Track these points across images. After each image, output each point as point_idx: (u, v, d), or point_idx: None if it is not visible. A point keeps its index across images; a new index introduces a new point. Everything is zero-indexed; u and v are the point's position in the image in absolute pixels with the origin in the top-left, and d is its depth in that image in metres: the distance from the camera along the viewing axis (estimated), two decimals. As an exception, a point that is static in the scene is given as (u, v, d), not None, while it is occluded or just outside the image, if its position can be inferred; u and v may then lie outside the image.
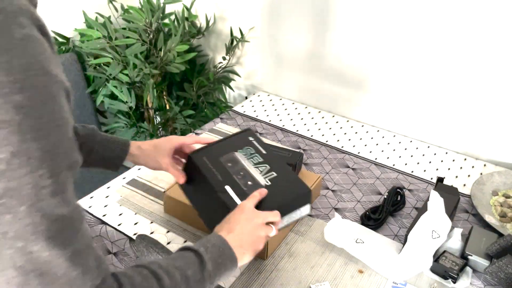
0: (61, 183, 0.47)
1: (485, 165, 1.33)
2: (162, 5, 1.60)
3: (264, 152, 0.90)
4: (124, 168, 1.19)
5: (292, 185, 0.84)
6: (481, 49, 1.23)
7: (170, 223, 1.06)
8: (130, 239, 1.02)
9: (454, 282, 0.92)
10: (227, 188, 0.82)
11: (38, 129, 0.44)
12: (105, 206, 1.11)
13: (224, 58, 1.73)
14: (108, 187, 1.17)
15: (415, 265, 0.94)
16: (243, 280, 0.93)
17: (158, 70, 1.54)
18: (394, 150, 1.39)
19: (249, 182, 0.84)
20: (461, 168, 1.32)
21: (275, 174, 0.85)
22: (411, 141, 1.43)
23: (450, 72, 1.30)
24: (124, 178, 1.20)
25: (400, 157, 1.35)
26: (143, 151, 0.92)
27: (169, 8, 1.75)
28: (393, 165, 1.31)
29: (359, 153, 1.36)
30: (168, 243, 1.01)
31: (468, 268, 0.95)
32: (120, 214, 1.08)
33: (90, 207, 1.10)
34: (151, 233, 1.04)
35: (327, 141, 1.42)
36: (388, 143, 1.42)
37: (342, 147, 1.39)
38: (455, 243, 1.00)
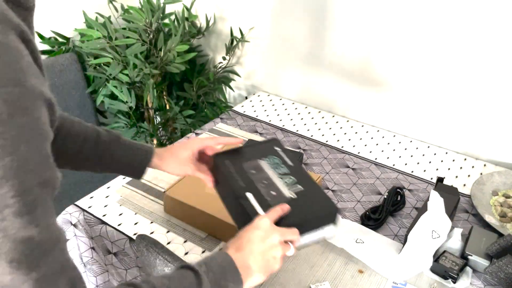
0: (29, 202, 0.44)
1: (485, 165, 1.33)
2: (162, 5, 1.60)
3: (290, 163, 0.86)
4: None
5: (318, 201, 0.78)
6: (481, 49, 1.23)
7: (170, 223, 1.06)
8: (130, 239, 1.02)
9: (454, 282, 0.92)
10: (249, 195, 0.77)
11: (2, 145, 0.41)
12: (105, 206, 1.11)
13: (224, 58, 1.73)
14: (108, 187, 1.17)
15: (415, 265, 0.94)
16: (243, 280, 0.93)
17: (158, 70, 1.54)
18: (394, 150, 1.39)
19: (273, 192, 0.79)
20: (461, 168, 1.32)
21: (301, 188, 0.80)
22: (411, 141, 1.43)
23: (450, 72, 1.30)
24: (124, 178, 1.20)
25: (400, 157, 1.35)
26: (164, 160, 0.88)
27: (169, 8, 1.75)
28: (393, 165, 1.31)
29: (359, 153, 1.36)
30: (168, 243, 1.01)
31: (468, 268, 0.95)
32: (120, 214, 1.08)
33: (90, 207, 1.10)
34: (151, 233, 1.04)
35: (327, 141, 1.42)
36: (388, 143, 1.42)
37: (342, 147, 1.39)
38: (455, 243, 1.00)
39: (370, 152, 1.37)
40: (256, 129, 1.47)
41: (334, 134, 1.46)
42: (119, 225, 1.05)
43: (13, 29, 0.44)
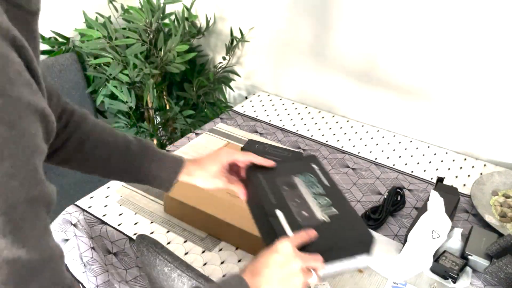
0: (14, 221, 0.41)
1: (485, 165, 1.33)
2: (162, 5, 1.60)
3: (327, 184, 0.80)
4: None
5: (353, 228, 0.72)
6: (481, 49, 1.23)
7: (170, 223, 1.06)
8: (130, 239, 1.02)
9: (454, 282, 0.92)
10: (278, 213, 0.73)
11: None
12: (105, 206, 1.11)
13: (224, 58, 1.73)
14: (108, 187, 1.17)
15: (415, 265, 0.94)
16: (243, 280, 0.93)
17: (158, 70, 1.54)
18: (394, 150, 1.39)
19: (304, 213, 0.74)
20: (461, 168, 1.32)
21: (335, 211, 0.74)
22: (411, 141, 1.43)
23: (450, 72, 1.30)
24: (124, 178, 1.20)
25: (400, 157, 1.35)
26: (194, 174, 0.84)
27: (169, 8, 1.75)
28: (393, 165, 1.31)
29: (359, 153, 1.36)
30: (168, 243, 1.01)
31: (468, 268, 0.95)
32: (120, 214, 1.08)
33: (90, 207, 1.10)
34: (151, 233, 1.04)
35: (327, 141, 1.42)
36: (388, 143, 1.42)
37: (342, 147, 1.39)
38: (455, 243, 1.00)
39: (370, 152, 1.37)
40: (256, 129, 1.47)
41: (334, 134, 1.46)
42: (119, 225, 1.05)
43: (1, 35, 0.41)
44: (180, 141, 1.39)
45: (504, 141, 1.30)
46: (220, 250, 1.00)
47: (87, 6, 1.65)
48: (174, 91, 1.83)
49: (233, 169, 0.86)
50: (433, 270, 0.94)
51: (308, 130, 1.47)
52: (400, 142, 1.42)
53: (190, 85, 1.68)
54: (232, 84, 1.78)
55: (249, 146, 1.16)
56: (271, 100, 1.65)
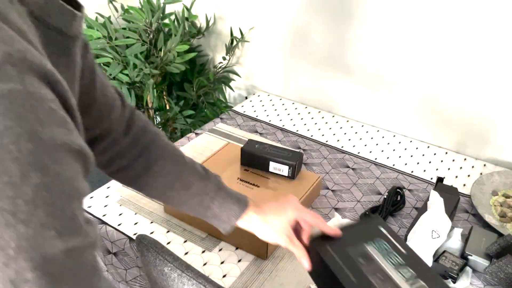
0: (52, 274, 0.37)
1: (485, 165, 1.33)
2: (162, 5, 1.60)
3: (402, 250, 0.72)
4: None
5: None
6: (481, 50, 1.23)
7: (170, 223, 1.07)
8: (130, 239, 1.02)
9: (454, 282, 0.92)
10: None
11: (14, 212, 0.34)
12: (105, 206, 1.11)
13: (224, 58, 1.73)
14: (108, 187, 1.17)
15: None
16: (243, 280, 0.93)
17: (158, 70, 1.54)
18: (394, 150, 1.39)
19: None
20: (461, 168, 1.32)
21: (423, 284, 0.66)
22: (411, 141, 1.43)
23: (450, 72, 1.30)
24: (124, 178, 1.20)
25: (400, 157, 1.35)
26: (255, 224, 0.79)
27: (169, 8, 1.75)
28: (393, 165, 1.31)
29: (359, 153, 1.36)
30: (168, 243, 1.01)
31: (468, 268, 0.95)
32: (120, 214, 1.08)
33: (90, 207, 1.10)
34: (151, 233, 1.04)
35: (327, 141, 1.42)
36: (388, 143, 1.42)
37: (342, 147, 1.39)
38: (455, 243, 1.00)
39: (370, 152, 1.37)
40: (256, 129, 1.47)
41: (334, 134, 1.46)
42: (119, 225, 1.05)
43: (32, 72, 0.37)
44: (180, 141, 1.39)
45: (504, 141, 1.30)
46: (220, 250, 1.00)
47: (87, 6, 1.64)
48: (174, 91, 1.83)
49: (296, 228, 0.80)
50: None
51: (308, 130, 1.47)
52: (400, 142, 1.42)
53: (190, 85, 1.68)
54: (232, 84, 1.78)
55: (249, 146, 1.17)
56: (271, 100, 1.65)
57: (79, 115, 0.44)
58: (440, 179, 1.12)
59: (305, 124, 1.51)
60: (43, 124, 0.36)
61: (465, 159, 1.35)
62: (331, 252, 0.71)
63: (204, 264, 0.96)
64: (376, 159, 1.34)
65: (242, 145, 1.19)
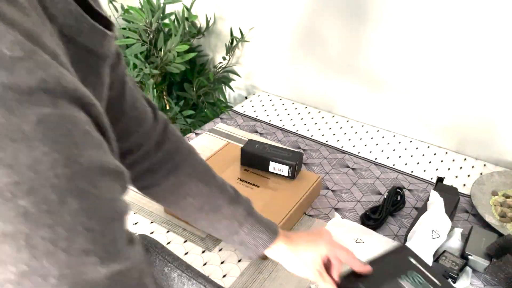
0: None
1: (485, 165, 1.33)
2: (162, 5, 1.60)
3: (437, 282, 0.70)
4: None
5: None
6: (481, 49, 1.23)
7: (170, 223, 1.07)
8: (130, 239, 1.02)
9: (454, 282, 0.92)
10: None
11: (54, 240, 0.33)
12: (105, 206, 1.11)
13: (224, 58, 1.73)
14: (108, 187, 1.17)
15: (415, 265, 0.94)
16: (243, 280, 0.93)
17: (158, 70, 1.54)
18: (394, 150, 1.39)
19: None
20: (461, 168, 1.32)
21: None
22: (411, 141, 1.43)
23: (450, 72, 1.30)
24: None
25: (400, 157, 1.35)
26: (284, 255, 0.76)
27: (169, 8, 1.75)
28: (393, 165, 1.31)
29: (359, 153, 1.37)
30: (168, 243, 1.01)
31: (468, 268, 0.96)
32: (120, 214, 1.08)
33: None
34: (151, 233, 1.04)
35: (327, 141, 1.42)
36: (388, 143, 1.42)
37: (342, 147, 1.39)
38: (455, 243, 1.00)
39: (370, 152, 1.37)
40: (256, 129, 1.47)
41: (334, 134, 1.46)
42: (119, 225, 1.05)
43: (66, 96, 0.35)
44: (180, 141, 1.39)
45: (504, 141, 1.30)
46: (220, 250, 1.00)
47: (87, 6, 1.65)
48: (174, 91, 1.83)
49: (326, 263, 0.77)
50: (433, 270, 0.94)
51: (308, 130, 1.47)
52: (400, 142, 1.42)
53: (190, 85, 1.68)
54: (232, 84, 1.78)
55: (249, 146, 1.17)
56: (271, 100, 1.65)
57: (113, 135, 0.43)
58: (440, 179, 1.12)
59: (305, 124, 1.51)
60: (79, 147, 0.35)
61: (465, 159, 1.35)
62: None
63: (204, 264, 0.96)
64: (376, 159, 1.34)
65: (242, 145, 1.19)
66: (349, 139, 1.43)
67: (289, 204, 1.04)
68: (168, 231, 1.04)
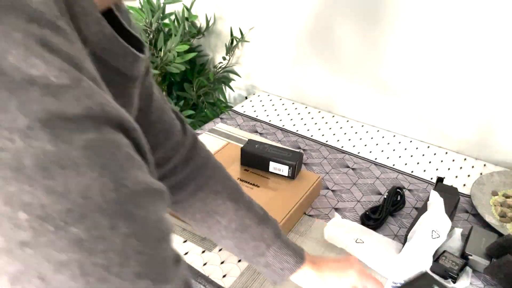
0: None
1: (485, 165, 1.33)
2: (162, 5, 1.60)
3: None
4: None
5: None
6: (481, 49, 1.23)
7: (170, 223, 1.06)
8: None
9: (454, 282, 0.92)
10: None
11: (107, 267, 0.33)
12: (105, 206, 1.11)
13: (224, 58, 1.73)
14: (108, 187, 1.17)
15: (415, 265, 0.94)
16: (243, 280, 0.93)
17: (158, 70, 1.54)
18: (394, 150, 1.39)
19: None
20: (461, 168, 1.32)
21: None
22: (411, 141, 1.43)
23: (450, 72, 1.30)
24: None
25: (400, 157, 1.35)
26: (310, 282, 0.74)
27: (169, 8, 1.75)
28: (393, 165, 1.31)
29: (359, 153, 1.36)
30: (168, 243, 1.01)
31: (468, 268, 0.96)
32: (120, 214, 1.08)
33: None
34: (151, 233, 1.03)
35: (327, 141, 1.42)
36: (388, 143, 1.42)
37: (342, 147, 1.39)
38: (455, 243, 1.00)
39: (370, 152, 1.37)
40: (256, 129, 1.47)
41: (334, 134, 1.46)
42: (119, 225, 1.05)
43: (108, 121, 0.35)
44: (180, 141, 1.39)
45: (504, 141, 1.30)
46: (220, 250, 1.00)
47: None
48: (174, 91, 1.83)
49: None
50: (433, 270, 0.94)
51: (308, 130, 1.47)
52: (400, 142, 1.42)
53: (190, 85, 1.68)
54: (232, 84, 1.78)
55: (249, 146, 1.17)
56: (271, 100, 1.65)
57: (152, 157, 0.43)
58: (440, 179, 1.12)
59: (305, 124, 1.51)
60: (125, 170, 0.35)
61: (465, 159, 1.35)
62: None
63: (204, 264, 0.96)
64: (376, 159, 1.34)
65: (242, 145, 1.19)
66: (349, 139, 1.43)
67: (289, 204, 1.04)
68: (168, 231, 1.04)
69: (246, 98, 1.80)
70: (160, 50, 1.55)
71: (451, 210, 1.02)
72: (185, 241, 1.01)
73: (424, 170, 1.30)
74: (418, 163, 1.33)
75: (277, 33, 1.59)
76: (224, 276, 0.94)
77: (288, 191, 1.09)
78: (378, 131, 1.48)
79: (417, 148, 1.40)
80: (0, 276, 0.31)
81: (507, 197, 1.16)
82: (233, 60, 1.76)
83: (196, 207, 0.73)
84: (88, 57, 0.38)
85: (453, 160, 1.35)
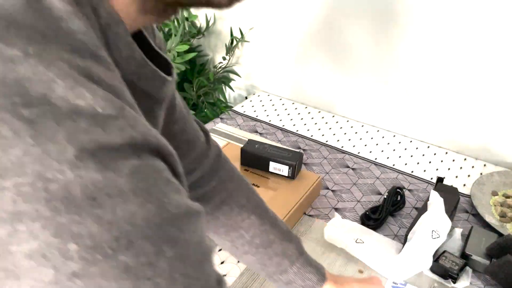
0: None
1: (485, 165, 1.33)
2: (162, 5, 1.60)
3: None
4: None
5: None
6: (481, 49, 1.23)
7: (170, 223, 1.06)
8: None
9: (454, 282, 0.92)
10: None
11: None
12: (105, 206, 1.11)
13: (224, 58, 1.73)
14: (108, 187, 1.17)
15: (415, 265, 0.94)
16: (243, 280, 0.93)
17: (158, 70, 1.54)
18: (394, 150, 1.39)
19: None
20: (461, 168, 1.32)
21: None
22: (411, 141, 1.43)
23: (450, 72, 1.30)
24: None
25: (400, 157, 1.35)
26: None
27: (169, 8, 1.75)
28: (393, 165, 1.31)
29: (359, 153, 1.36)
30: (168, 243, 1.01)
31: (468, 268, 0.96)
32: (120, 214, 1.08)
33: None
34: (151, 233, 1.03)
35: (327, 141, 1.42)
36: (388, 143, 1.42)
37: (342, 147, 1.39)
38: (455, 243, 1.00)
39: (370, 152, 1.37)
40: (256, 129, 1.47)
41: (334, 134, 1.46)
42: (119, 225, 1.05)
43: (148, 148, 0.36)
44: (180, 141, 1.38)
45: (504, 141, 1.30)
46: (220, 250, 1.00)
47: (87, 6, 1.65)
48: (174, 91, 1.83)
49: None
50: (433, 270, 0.94)
51: (308, 130, 1.47)
52: (400, 142, 1.42)
53: (190, 85, 1.68)
54: (232, 84, 1.78)
55: (249, 146, 1.17)
56: (271, 100, 1.65)
57: (186, 181, 0.43)
58: (440, 179, 1.12)
59: (305, 124, 1.51)
60: (166, 195, 0.35)
61: (465, 159, 1.35)
62: None
63: (204, 264, 0.96)
64: (376, 159, 1.34)
65: (242, 145, 1.19)
66: (349, 139, 1.43)
67: (289, 204, 1.04)
68: (168, 231, 1.04)
69: (246, 98, 1.80)
70: (160, 50, 1.55)
71: (451, 210, 1.02)
72: (185, 241, 1.01)
73: (424, 170, 1.30)
74: (418, 163, 1.33)
75: (277, 33, 1.58)
76: (224, 276, 0.94)
77: (288, 191, 1.09)
78: (378, 131, 1.48)
79: (417, 148, 1.40)
80: None
81: (507, 197, 1.16)
82: (233, 60, 1.76)
83: (220, 220, 0.71)
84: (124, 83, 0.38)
85: (453, 160, 1.35)
